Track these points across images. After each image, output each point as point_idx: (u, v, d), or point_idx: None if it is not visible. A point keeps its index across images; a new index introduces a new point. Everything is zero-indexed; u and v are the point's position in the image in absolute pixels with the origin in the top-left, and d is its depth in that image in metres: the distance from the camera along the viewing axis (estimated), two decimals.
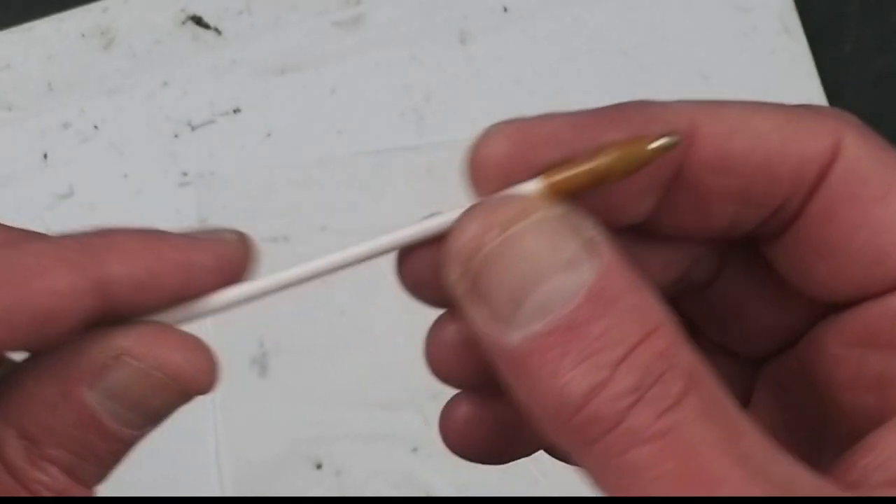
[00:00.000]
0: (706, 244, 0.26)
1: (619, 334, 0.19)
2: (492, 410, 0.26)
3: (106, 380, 0.22)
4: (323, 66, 0.66)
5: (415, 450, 0.59)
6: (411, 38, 0.66)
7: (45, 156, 0.64)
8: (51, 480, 0.22)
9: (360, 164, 0.63)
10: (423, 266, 0.24)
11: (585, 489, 0.55)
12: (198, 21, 0.66)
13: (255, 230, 0.67)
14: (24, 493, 0.22)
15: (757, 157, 0.23)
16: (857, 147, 0.23)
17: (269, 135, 0.65)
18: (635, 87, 0.65)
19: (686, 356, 0.20)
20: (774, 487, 0.19)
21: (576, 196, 0.22)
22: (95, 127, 0.65)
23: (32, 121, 0.65)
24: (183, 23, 0.67)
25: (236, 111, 0.65)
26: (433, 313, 0.66)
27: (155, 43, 0.66)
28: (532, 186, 0.22)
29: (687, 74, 0.64)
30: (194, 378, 0.23)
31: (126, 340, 0.22)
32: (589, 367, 0.19)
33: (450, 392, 0.64)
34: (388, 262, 0.63)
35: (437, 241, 0.24)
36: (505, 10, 0.66)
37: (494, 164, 0.22)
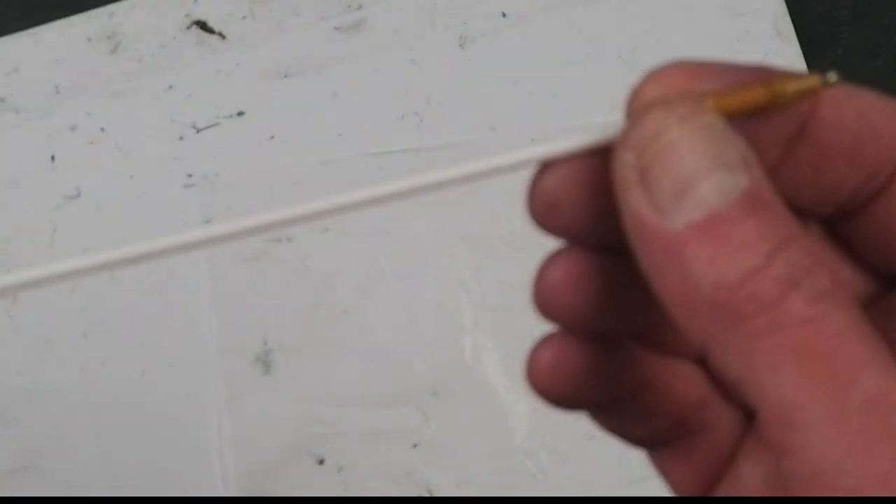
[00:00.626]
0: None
1: (770, 231, 0.21)
2: (580, 354, 0.28)
3: None
4: (325, 69, 0.67)
5: (415, 446, 0.60)
6: (411, 42, 0.67)
7: (53, 157, 0.65)
8: None
9: (361, 166, 0.64)
10: (562, 185, 0.25)
11: (583, 485, 0.56)
12: (202, 26, 0.67)
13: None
14: None
15: (866, 117, 0.25)
16: None
17: (272, 137, 0.65)
18: None
19: (826, 261, 0.22)
20: None
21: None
22: (102, 129, 0.66)
23: (40, 123, 0.66)
24: (188, 27, 0.67)
25: (240, 114, 0.66)
26: (433, 312, 0.66)
27: (160, 47, 0.67)
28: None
29: None
30: None
31: None
32: (746, 255, 0.21)
33: (450, 393, 0.65)
34: (389, 262, 0.64)
35: (581, 157, 0.25)
36: (503, 15, 0.67)
37: (664, 91, 0.23)
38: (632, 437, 0.30)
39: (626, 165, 0.22)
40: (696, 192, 0.21)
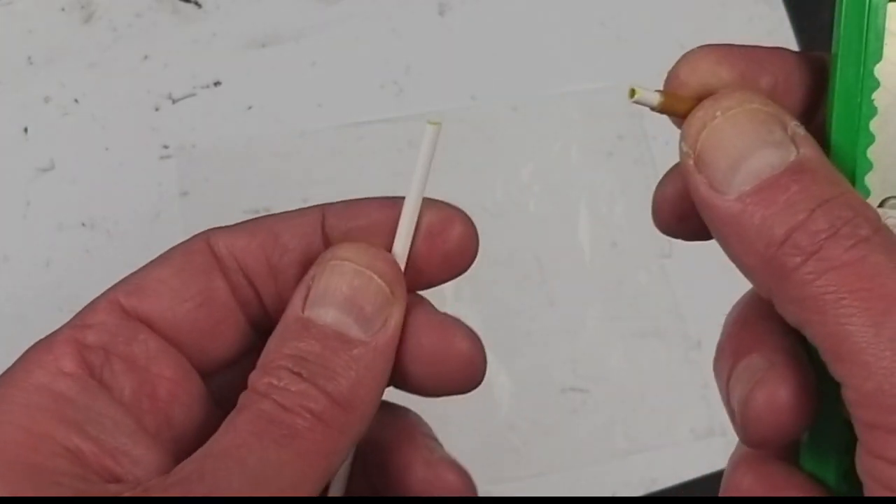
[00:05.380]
0: None
1: (815, 190, 0.24)
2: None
3: (318, 284, 0.27)
4: (303, 39, 0.66)
5: None
6: (390, 10, 0.66)
7: (26, 130, 0.64)
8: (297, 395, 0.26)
9: (340, 137, 0.64)
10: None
11: (565, 459, 0.55)
12: None
13: (236, 202, 0.67)
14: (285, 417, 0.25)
15: None
16: None
17: (249, 107, 0.65)
18: (613, 57, 0.65)
19: (872, 212, 0.24)
20: None
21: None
22: (76, 101, 0.65)
23: (13, 95, 0.65)
24: None
25: (217, 84, 0.65)
26: None
27: (135, 16, 0.66)
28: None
29: (665, 44, 0.64)
30: (397, 280, 0.28)
31: (335, 250, 0.28)
32: (789, 211, 0.24)
33: None
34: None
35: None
36: None
37: (693, 72, 0.27)
38: None
39: (683, 153, 0.26)
40: (745, 169, 0.25)
